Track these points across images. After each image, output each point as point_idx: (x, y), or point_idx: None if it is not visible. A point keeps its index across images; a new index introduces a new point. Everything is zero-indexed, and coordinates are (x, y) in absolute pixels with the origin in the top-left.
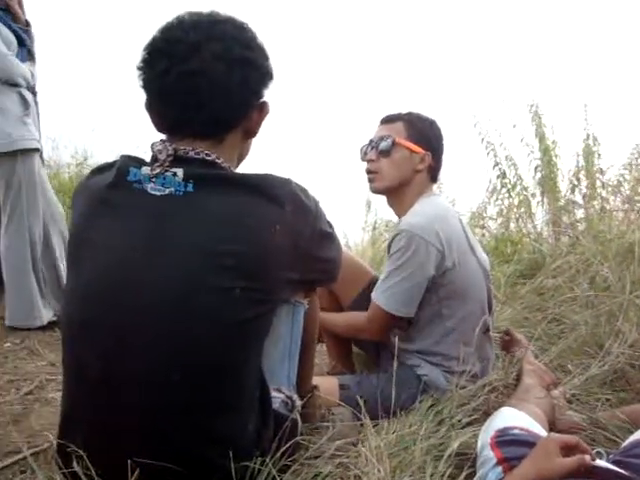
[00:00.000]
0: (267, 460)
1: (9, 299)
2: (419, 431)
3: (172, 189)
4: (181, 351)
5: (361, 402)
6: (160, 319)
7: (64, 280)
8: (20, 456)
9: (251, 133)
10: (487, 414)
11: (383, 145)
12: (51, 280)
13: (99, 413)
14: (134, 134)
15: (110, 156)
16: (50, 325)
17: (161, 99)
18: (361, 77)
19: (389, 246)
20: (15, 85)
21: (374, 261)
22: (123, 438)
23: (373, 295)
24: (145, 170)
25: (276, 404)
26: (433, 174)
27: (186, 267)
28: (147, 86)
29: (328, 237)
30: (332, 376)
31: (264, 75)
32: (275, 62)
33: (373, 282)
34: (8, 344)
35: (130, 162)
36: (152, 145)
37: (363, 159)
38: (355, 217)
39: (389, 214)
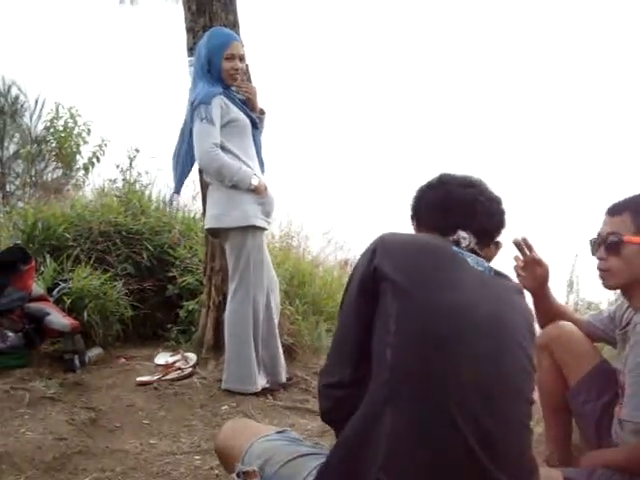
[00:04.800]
0: None
1: (228, 364)
2: None
3: (483, 269)
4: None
5: None
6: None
7: (279, 349)
8: None
9: (489, 260)
10: None
11: (611, 243)
12: (268, 348)
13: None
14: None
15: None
16: (263, 391)
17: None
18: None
19: (631, 347)
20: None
21: None
22: None
23: (630, 417)
24: (463, 250)
25: None
26: None
27: (515, 329)
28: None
29: None
30: (555, 468)
31: (504, 219)
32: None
33: (600, 367)
34: (225, 407)
35: (448, 242)
36: (459, 233)
37: (593, 254)
38: (557, 297)
39: (592, 295)
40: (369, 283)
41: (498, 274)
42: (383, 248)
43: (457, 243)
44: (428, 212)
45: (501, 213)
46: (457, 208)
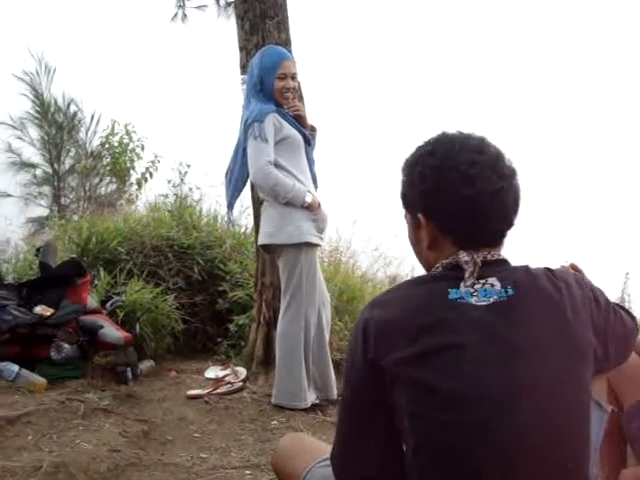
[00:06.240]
0: None
1: (278, 379)
2: None
3: (495, 297)
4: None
5: None
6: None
7: (330, 365)
8: None
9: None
10: None
11: None
12: (319, 365)
13: None
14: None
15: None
16: (313, 407)
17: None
18: None
19: None
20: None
21: None
22: None
23: None
24: (463, 288)
25: None
26: None
27: (550, 360)
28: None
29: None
30: None
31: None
32: None
33: None
34: (275, 422)
35: (444, 284)
36: (458, 256)
37: None
38: None
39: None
40: (372, 377)
41: (519, 285)
42: (375, 332)
43: (459, 268)
44: (451, 218)
45: (518, 198)
46: (487, 216)
